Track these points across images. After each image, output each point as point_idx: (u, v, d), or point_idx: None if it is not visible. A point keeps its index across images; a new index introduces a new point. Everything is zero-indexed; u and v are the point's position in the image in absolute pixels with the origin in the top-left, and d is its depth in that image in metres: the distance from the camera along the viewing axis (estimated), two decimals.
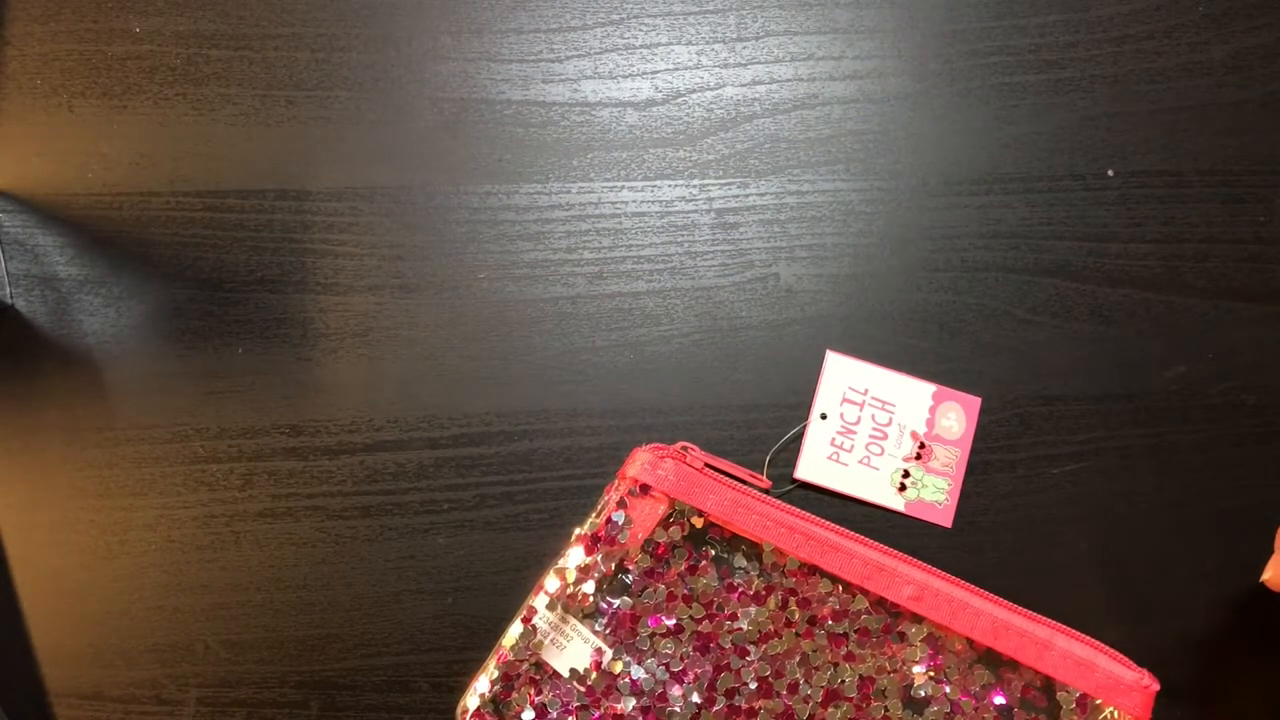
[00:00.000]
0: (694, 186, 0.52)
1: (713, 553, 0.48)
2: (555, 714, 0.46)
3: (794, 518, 0.48)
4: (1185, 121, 0.53)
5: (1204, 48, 0.54)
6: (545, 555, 0.49)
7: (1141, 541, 0.50)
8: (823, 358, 0.51)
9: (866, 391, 0.51)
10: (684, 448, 0.48)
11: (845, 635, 0.47)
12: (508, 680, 0.46)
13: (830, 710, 0.46)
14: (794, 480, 0.50)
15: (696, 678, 0.47)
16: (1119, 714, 0.45)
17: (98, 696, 0.48)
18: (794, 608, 0.47)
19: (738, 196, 0.52)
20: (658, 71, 0.53)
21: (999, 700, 0.47)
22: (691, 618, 0.47)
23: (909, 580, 0.47)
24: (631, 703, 0.46)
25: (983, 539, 0.50)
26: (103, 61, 0.52)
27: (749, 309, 0.51)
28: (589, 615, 0.47)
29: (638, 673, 0.47)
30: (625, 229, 0.52)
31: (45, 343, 0.50)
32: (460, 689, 0.48)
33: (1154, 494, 0.50)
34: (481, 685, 0.46)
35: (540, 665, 0.47)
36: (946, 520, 0.50)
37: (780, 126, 0.53)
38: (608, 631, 0.47)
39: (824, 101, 0.53)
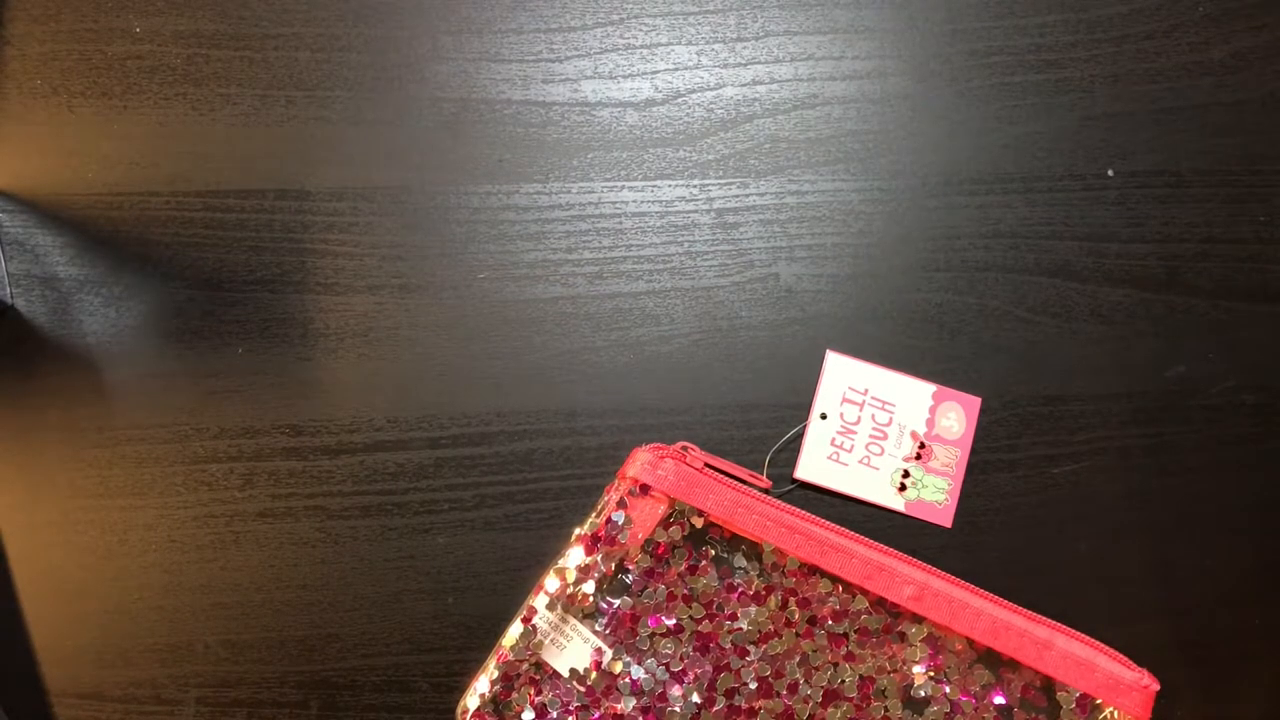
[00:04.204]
0: (694, 186, 0.52)
1: (713, 553, 0.48)
2: (555, 714, 0.46)
3: (794, 518, 0.48)
4: (1185, 121, 0.53)
5: (1204, 48, 0.54)
6: (545, 555, 0.49)
7: (1141, 541, 0.50)
8: (823, 358, 0.51)
9: (866, 391, 0.51)
10: (684, 448, 0.48)
11: (845, 635, 0.47)
12: (508, 680, 0.46)
13: (830, 710, 0.46)
14: (794, 480, 0.50)
15: (696, 678, 0.47)
16: (1119, 714, 0.45)
17: (98, 696, 0.48)
18: (794, 608, 0.47)
19: (738, 196, 0.52)
20: (658, 71, 0.53)
21: (999, 700, 0.47)
22: (691, 618, 0.47)
23: (909, 580, 0.47)
24: (631, 703, 0.46)
25: (983, 539, 0.50)
26: (103, 61, 0.52)
27: (749, 309, 0.51)
28: (589, 615, 0.47)
29: (638, 673, 0.47)
30: (625, 229, 0.52)
31: (45, 343, 0.50)
32: (460, 689, 0.48)
33: (1154, 494, 0.50)
34: (481, 685, 0.46)
35: (540, 665, 0.47)
36: (946, 520, 0.50)
37: (780, 126, 0.53)
38: (608, 631, 0.47)
39: (824, 101, 0.53)
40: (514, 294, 0.51)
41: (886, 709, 0.47)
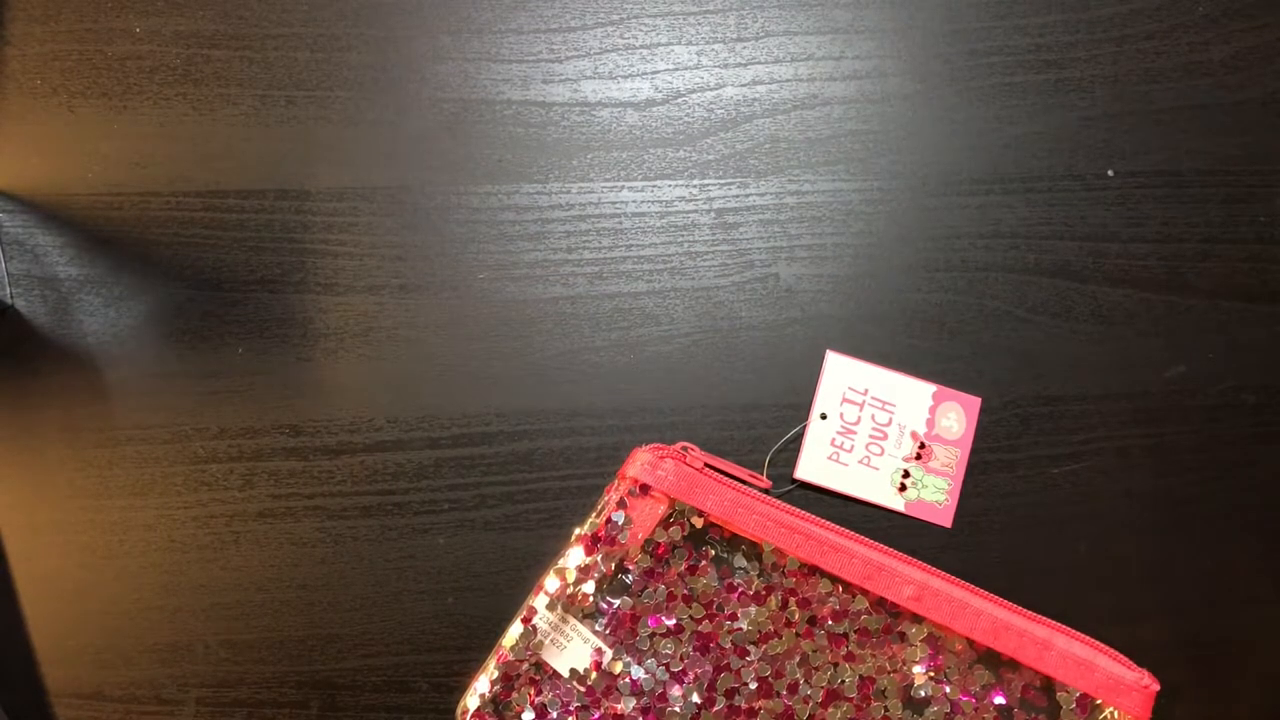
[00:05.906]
0: (694, 186, 0.52)
1: (713, 553, 0.48)
2: (555, 714, 0.46)
3: (794, 518, 0.48)
4: (1185, 121, 0.53)
5: (1204, 48, 0.54)
6: (545, 555, 0.49)
7: (1141, 541, 0.50)
8: (823, 358, 0.51)
9: (866, 391, 0.51)
10: (684, 448, 0.48)
11: (845, 635, 0.47)
12: (508, 680, 0.46)
13: (830, 710, 0.46)
14: (794, 480, 0.50)
15: (696, 678, 0.47)
16: (1119, 714, 0.45)
17: (98, 696, 0.48)
18: (794, 608, 0.47)
19: (738, 196, 0.52)
20: (658, 71, 0.53)
21: (999, 700, 0.47)
22: (691, 618, 0.47)
23: (909, 580, 0.47)
24: (631, 703, 0.46)
25: (983, 539, 0.50)
26: (103, 61, 0.52)
27: (749, 309, 0.51)
28: (589, 615, 0.47)
29: (638, 673, 0.47)
30: (625, 229, 0.52)
31: (45, 343, 0.50)
32: (460, 689, 0.48)
33: (1154, 494, 0.50)
34: (481, 685, 0.46)
35: (540, 665, 0.47)
36: (946, 520, 0.50)
37: (780, 126, 0.53)
38: (608, 631, 0.47)
39: (824, 101, 0.53)
40: (514, 294, 0.51)
41: (886, 709, 0.47)
